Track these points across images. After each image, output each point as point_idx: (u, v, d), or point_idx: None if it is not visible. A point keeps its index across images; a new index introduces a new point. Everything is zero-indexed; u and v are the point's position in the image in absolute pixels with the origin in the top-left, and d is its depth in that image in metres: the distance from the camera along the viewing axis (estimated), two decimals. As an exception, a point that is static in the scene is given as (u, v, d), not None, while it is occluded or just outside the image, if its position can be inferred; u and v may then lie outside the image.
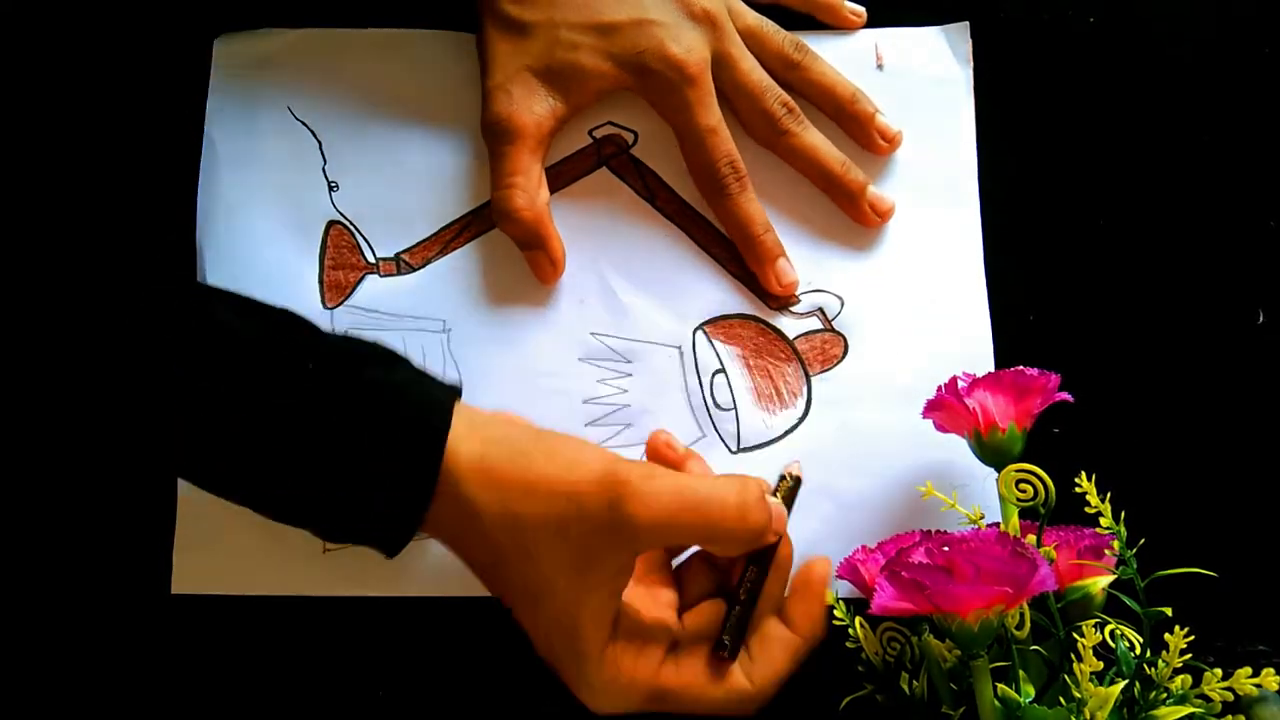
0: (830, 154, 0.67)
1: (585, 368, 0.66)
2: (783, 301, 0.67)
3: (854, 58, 0.70)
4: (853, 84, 0.69)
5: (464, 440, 0.52)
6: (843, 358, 0.67)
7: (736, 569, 0.59)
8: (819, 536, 0.64)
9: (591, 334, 0.67)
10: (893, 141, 0.69)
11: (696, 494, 0.53)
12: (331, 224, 0.67)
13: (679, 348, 0.67)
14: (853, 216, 0.68)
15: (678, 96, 0.65)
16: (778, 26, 0.69)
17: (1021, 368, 0.58)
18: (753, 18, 0.68)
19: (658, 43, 0.64)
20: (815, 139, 0.67)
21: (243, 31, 0.70)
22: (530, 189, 0.64)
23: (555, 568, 0.52)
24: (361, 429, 0.51)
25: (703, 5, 0.65)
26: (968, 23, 0.71)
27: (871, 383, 0.66)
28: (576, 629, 0.53)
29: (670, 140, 0.68)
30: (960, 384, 0.58)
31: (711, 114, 0.66)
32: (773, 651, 0.58)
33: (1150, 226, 0.68)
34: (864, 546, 0.58)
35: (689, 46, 0.65)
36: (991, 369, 0.66)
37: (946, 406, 0.59)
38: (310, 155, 0.68)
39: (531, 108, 0.64)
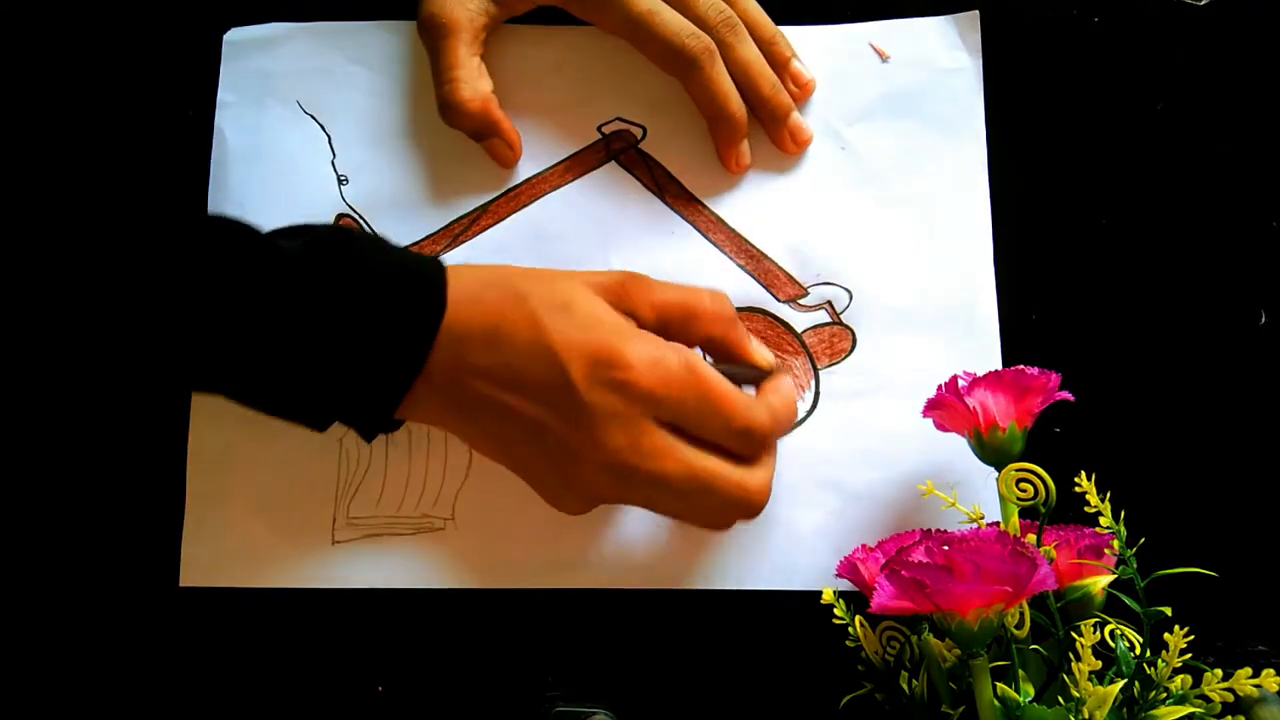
0: (763, 72, 0.67)
1: (595, 358, 0.66)
2: (790, 293, 0.67)
3: (855, 55, 0.70)
4: (774, 26, 0.68)
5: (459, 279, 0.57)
6: (851, 351, 0.67)
7: None
8: (825, 530, 0.64)
9: (601, 328, 0.66)
10: (805, 88, 0.69)
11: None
12: (341, 218, 0.67)
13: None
14: (773, 139, 0.68)
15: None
16: None
17: (1022, 367, 0.58)
18: None
19: None
20: (752, 54, 0.67)
21: (252, 26, 0.70)
22: (472, 80, 0.65)
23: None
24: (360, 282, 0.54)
25: None
26: (977, 11, 0.70)
27: (879, 376, 0.66)
28: (604, 324, 0.56)
29: (679, 135, 0.69)
30: (960, 383, 0.58)
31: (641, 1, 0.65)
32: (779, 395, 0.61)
33: (1153, 226, 0.68)
34: (864, 545, 0.58)
35: None
36: (999, 363, 0.66)
37: (947, 405, 0.59)
38: (319, 149, 0.68)
39: (465, 4, 0.65)
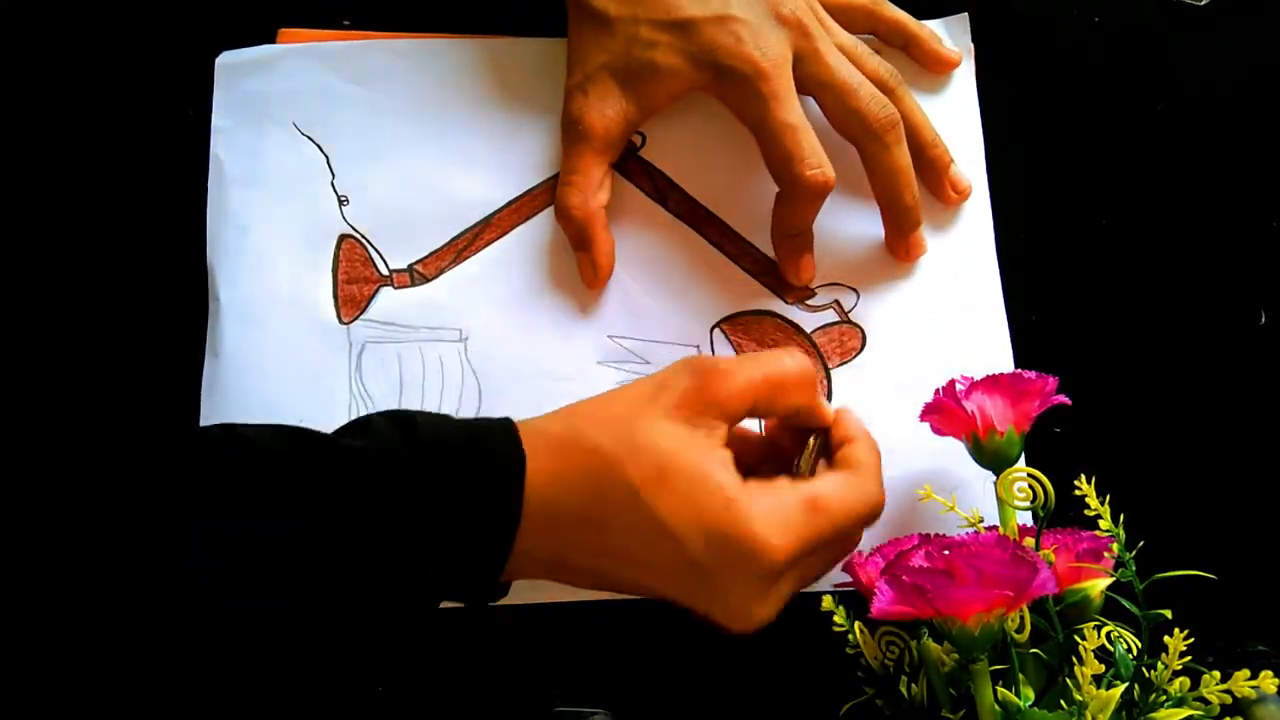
0: (912, 183, 0.65)
1: (604, 371, 0.66)
2: (797, 294, 0.68)
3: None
4: (935, 129, 0.68)
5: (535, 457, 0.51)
6: (861, 349, 0.67)
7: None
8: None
9: (609, 337, 0.67)
10: (963, 193, 0.68)
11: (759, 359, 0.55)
12: (343, 238, 0.68)
13: (697, 346, 0.67)
14: (892, 243, 0.68)
15: (749, 91, 0.62)
16: (872, 51, 0.67)
17: (1019, 370, 0.58)
18: (846, 37, 0.67)
19: (734, 39, 0.62)
20: (906, 162, 0.65)
21: (244, 49, 0.70)
22: (586, 189, 0.65)
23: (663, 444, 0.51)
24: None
25: (793, 9, 0.64)
26: (966, 14, 0.71)
27: (891, 373, 0.67)
28: (712, 491, 0.51)
29: (678, 141, 0.69)
30: (958, 387, 0.59)
31: (789, 111, 0.62)
32: (863, 445, 0.58)
33: (1153, 227, 0.68)
34: (859, 550, 0.58)
35: (766, 44, 0.62)
36: (1009, 358, 0.66)
37: (944, 409, 0.59)
38: (318, 170, 0.68)
39: (603, 110, 0.65)
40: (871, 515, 0.55)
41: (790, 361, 0.55)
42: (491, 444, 0.51)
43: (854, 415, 0.59)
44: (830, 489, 0.54)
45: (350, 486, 0.48)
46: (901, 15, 0.70)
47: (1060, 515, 0.55)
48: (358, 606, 0.49)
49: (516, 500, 0.50)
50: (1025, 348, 0.66)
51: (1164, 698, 0.51)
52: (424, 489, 0.49)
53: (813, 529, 0.52)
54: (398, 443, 0.50)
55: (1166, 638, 0.50)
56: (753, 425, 0.64)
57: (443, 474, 0.49)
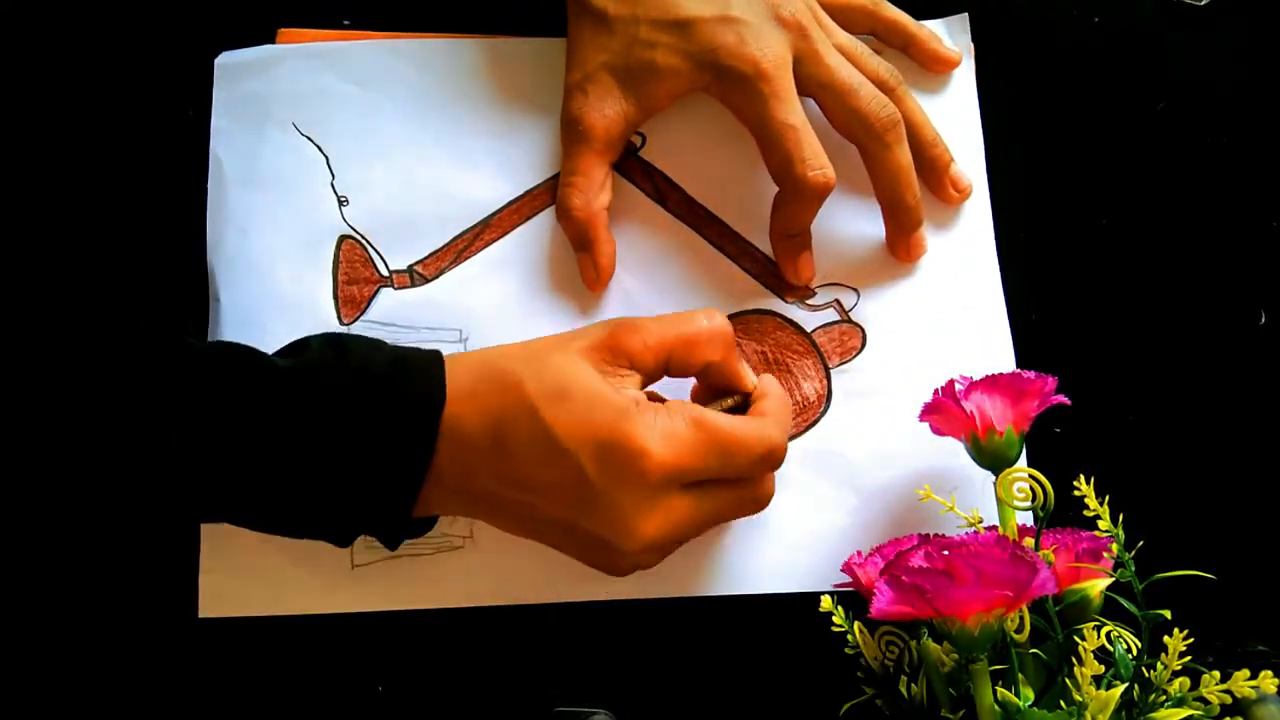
0: (913, 182, 0.66)
1: (605, 370, 0.66)
2: (800, 294, 0.68)
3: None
4: (935, 128, 0.68)
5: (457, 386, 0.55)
6: (861, 349, 0.67)
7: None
8: (845, 528, 0.64)
9: (609, 336, 0.67)
10: (964, 192, 0.68)
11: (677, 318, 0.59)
12: (343, 239, 0.67)
13: (696, 346, 0.67)
14: (893, 243, 0.68)
15: (750, 91, 0.62)
16: (872, 51, 0.67)
17: (1019, 370, 0.58)
18: (845, 37, 0.67)
19: (735, 39, 0.62)
20: (908, 161, 0.65)
21: (244, 49, 0.70)
22: (588, 190, 0.65)
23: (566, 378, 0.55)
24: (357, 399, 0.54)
25: (792, 11, 0.64)
26: (966, 14, 0.71)
27: (891, 373, 0.67)
28: (606, 407, 0.54)
29: (678, 141, 0.69)
30: (957, 387, 0.59)
31: (790, 112, 0.62)
32: (774, 400, 0.60)
33: (1153, 226, 0.68)
34: (858, 551, 0.58)
35: (766, 45, 0.62)
36: (1011, 358, 0.66)
37: (944, 410, 0.59)
38: (318, 170, 0.68)
39: (604, 109, 0.64)
40: (768, 455, 0.57)
41: (705, 320, 0.59)
42: (415, 376, 0.55)
43: (774, 380, 0.61)
44: (724, 418, 0.56)
45: (271, 404, 0.52)
46: (901, 15, 0.69)
47: (1060, 515, 0.55)
48: (269, 518, 0.55)
49: (433, 428, 0.54)
50: (1025, 348, 0.66)
51: (1164, 698, 0.51)
52: (343, 413, 0.53)
53: (698, 445, 0.55)
54: (328, 364, 0.54)
55: (1166, 638, 0.50)
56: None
57: (365, 401, 0.53)
